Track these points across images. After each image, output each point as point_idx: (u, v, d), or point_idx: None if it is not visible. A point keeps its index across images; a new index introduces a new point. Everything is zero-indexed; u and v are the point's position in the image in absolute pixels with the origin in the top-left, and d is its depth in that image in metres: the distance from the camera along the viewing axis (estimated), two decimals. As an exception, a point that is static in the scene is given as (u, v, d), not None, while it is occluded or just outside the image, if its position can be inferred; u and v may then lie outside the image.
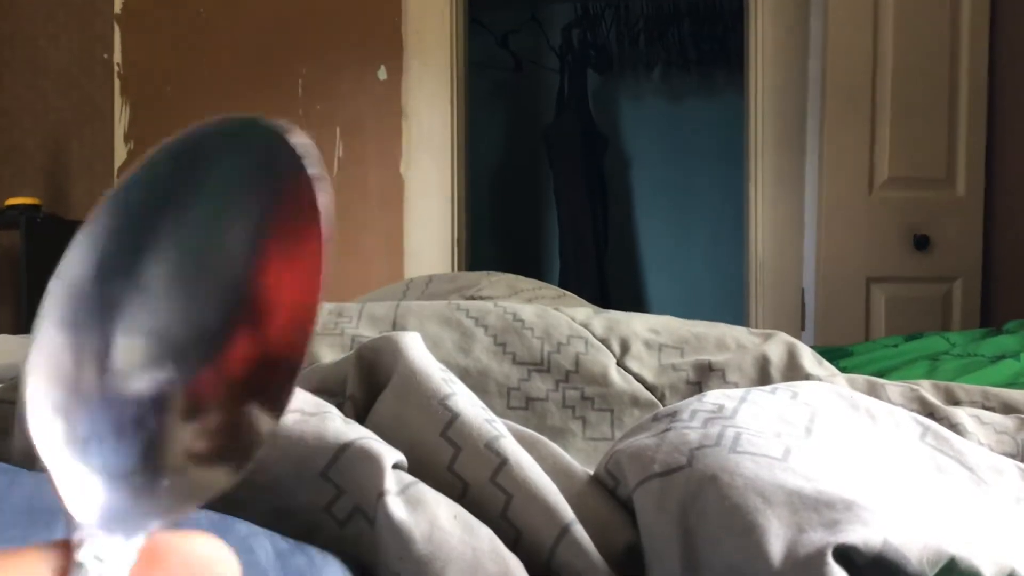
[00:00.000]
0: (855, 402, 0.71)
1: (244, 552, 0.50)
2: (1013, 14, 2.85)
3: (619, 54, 4.70)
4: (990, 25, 2.87)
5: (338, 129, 3.05)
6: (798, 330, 3.02)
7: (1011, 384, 1.32)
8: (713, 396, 0.68)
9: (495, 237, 4.73)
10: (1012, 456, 0.83)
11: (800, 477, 0.55)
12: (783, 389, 0.71)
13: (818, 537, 0.50)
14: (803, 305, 3.02)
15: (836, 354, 1.76)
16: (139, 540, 0.22)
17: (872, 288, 2.93)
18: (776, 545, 0.50)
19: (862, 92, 2.84)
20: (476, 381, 0.96)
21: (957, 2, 2.85)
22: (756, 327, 2.68)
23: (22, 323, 2.73)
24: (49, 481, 0.22)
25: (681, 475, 0.58)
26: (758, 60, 3.03)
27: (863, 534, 0.49)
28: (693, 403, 0.67)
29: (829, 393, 0.72)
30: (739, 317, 3.27)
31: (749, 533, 0.52)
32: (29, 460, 0.69)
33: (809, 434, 0.62)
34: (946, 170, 2.89)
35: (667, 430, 0.63)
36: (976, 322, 2.94)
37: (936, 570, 0.50)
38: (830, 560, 0.48)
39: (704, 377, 1.01)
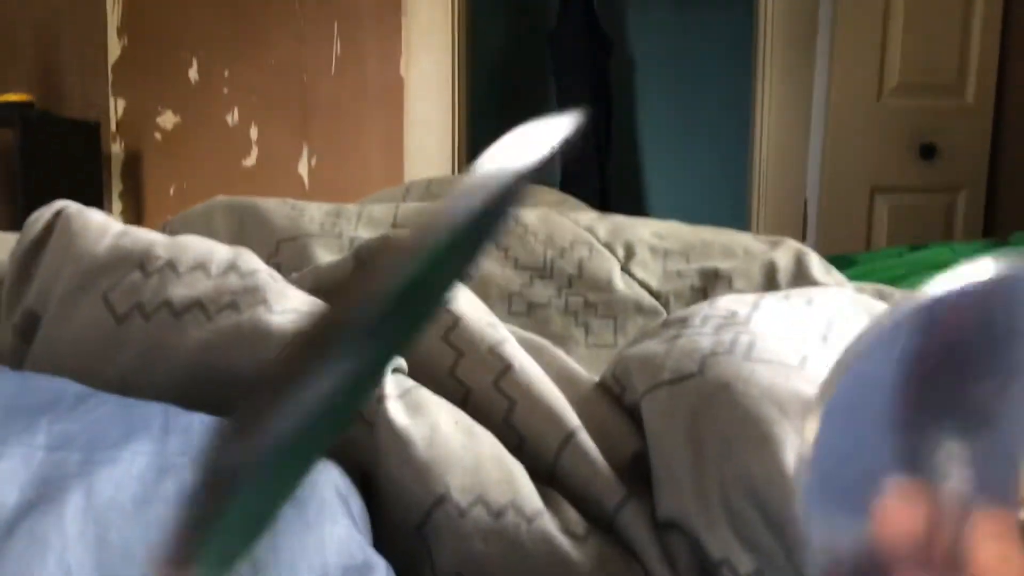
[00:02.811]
0: (870, 308, 0.68)
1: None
2: (1035, -85, 2.75)
3: (626, -46, 4.57)
4: (1010, -73, 2.78)
5: (336, 25, 2.97)
6: (799, 239, 2.99)
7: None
8: (725, 302, 0.66)
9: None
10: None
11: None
12: (797, 295, 0.68)
13: (836, 448, 0.48)
14: (805, 214, 2.99)
15: (840, 263, 1.73)
16: None
17: (876, 198, 2.89)
18: (793, 457, 0.48)
19: (876, -6, 2.77)
20: (476, 286, 0.94)
21: (978, -98, 2.76)
22: (759, 235, 2.65)
23: (18, 220, 2.70)
24: None
25: (692, 383, 0.56)
26: (769, -39, 2.94)
27: (883, 446, 0.47)
28: (704, 309, 0.65)
29: (844, 299, 0.69)
30: (741, 224, 3.24)
31: (765, 444, 0.50)
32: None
33: (826, 341, 0.60)
34: (956, 76, 2.82)
35: (677, 336, 0.61)
36: (979, 234, 2.91)
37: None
38: (849, 472, 0.46)
39: (710, 284, 0.99)
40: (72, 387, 0.50)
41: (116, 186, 3.14)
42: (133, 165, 3.14)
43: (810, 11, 2.90)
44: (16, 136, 2.75)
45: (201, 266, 0.64)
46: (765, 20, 2.96)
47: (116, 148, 3.13)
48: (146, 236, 0.68)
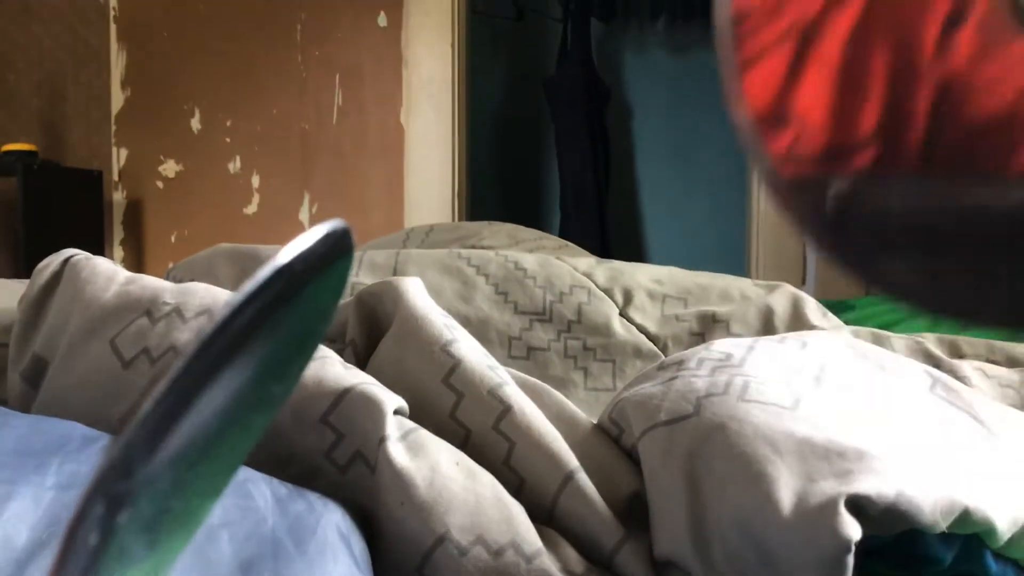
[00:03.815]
0: (864, 352, 0.70)
1: (242, 497, 0.49)
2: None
3: (623, 2, 4.63)
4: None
5: (337, 76, 3.01)
6: (799, 283, 3.00)
7: (1015, 339, 1.31)
8: (721, 344, 0.67)
9: (496, 187, 4.70)
10: (1017, 409, 0.82)
11: (810, 426, 0.54)
12: (792, 338, 0.70)
13: (829, 487, 0.49)
14: (804, 258, 3.01)
15: (839, 308, 1.74)
16: None
17: (874, 242, 2.91)
18: (786, 495, 0.49)
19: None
20: (477, 330, 0.95)
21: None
22: (757, 280, 2.68)
23: (20, 269, 2.72)
24: None
25: (688, 423, 0.57)
26: (764, 10, 2.98)
27: (876, 484, 0.48)
28: (700, 351, 0.66)
29: (838, 343, 0.70)
30: (740, 269, 3.25)
31: (758, 482, 0.50)
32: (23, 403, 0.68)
33: (819, 383, 0.61)
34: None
35: (673, 378, 0.62)
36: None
37: (949, 521, 0.49)
38: (842, 510, 0.47)
39: (708, 328, 1.00)
40: (80, 429, 0.51)
41: (117, 234, 3.17)
42: (134, 213, 3.16)
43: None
44: (19, 185, 2.78)
45: (207, 312, 0.66)
46: (760, 68, 3.00)
47: (118, 196, 3.16)
48: (154, 283, 0.70)
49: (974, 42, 0.20)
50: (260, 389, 0.23)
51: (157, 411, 0.20)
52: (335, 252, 0.23)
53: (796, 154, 0.22)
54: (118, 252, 3.17)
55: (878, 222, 0.22)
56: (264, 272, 0.21)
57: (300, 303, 0.22)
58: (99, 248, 3.06)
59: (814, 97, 0.22)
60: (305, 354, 0.25)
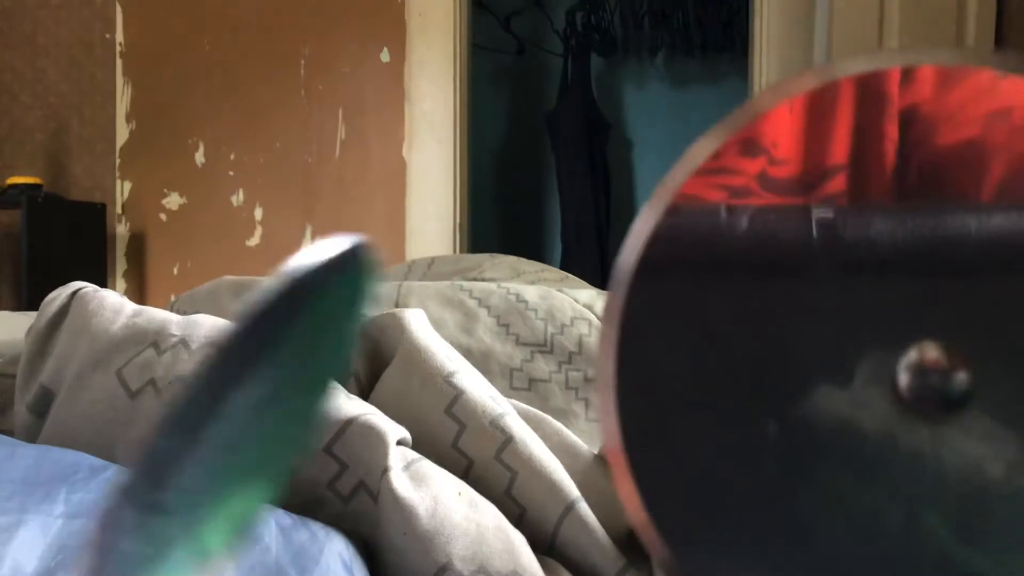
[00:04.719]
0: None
1: (247, 526, 0.49)
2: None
3: (623, 38, 4.67)
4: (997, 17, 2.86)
5: (340, 110, 3.03)
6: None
7: None
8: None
9: (497, 220, 4.72)
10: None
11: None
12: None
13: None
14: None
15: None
16: None
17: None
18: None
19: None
20: (479, 362, 0.96)
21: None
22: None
23: (23, 301, 2.72)
24: None
25: (688, 454, 0.57)
26: (762, 45, 3.01)
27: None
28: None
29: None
30: (741, 303, 3.25)
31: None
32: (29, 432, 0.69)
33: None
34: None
35: (673, 409, 0.63)
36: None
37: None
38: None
39: (708, 359, 1.00)
40: (88, 459, 0.52)
41: (120, 266, 3.18)
42: (137, 245, 3.18)
43: (804, 93, 2.96)
44: (23, 217, 2.80)
45: (212, 342, 0.66)
46: (760, 102, 3.02)
47: (121, 229, 3.17)
48: (161, 315, 0.70)
49: (936, 73, 0.21)
50: (286, 400, 0.23)
51: (186, 421, 0.21)
52: (347, 264, 0.23)
53: (768, 182, 0.22)
54: (121, 284, 3.18)
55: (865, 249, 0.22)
56: (286, 276, 0.22)
57: (314, 315, 0.23)
58: (102, 280, 3.07)
59: (783, 125, 0.22)
60: (330, 370, 0.26)
